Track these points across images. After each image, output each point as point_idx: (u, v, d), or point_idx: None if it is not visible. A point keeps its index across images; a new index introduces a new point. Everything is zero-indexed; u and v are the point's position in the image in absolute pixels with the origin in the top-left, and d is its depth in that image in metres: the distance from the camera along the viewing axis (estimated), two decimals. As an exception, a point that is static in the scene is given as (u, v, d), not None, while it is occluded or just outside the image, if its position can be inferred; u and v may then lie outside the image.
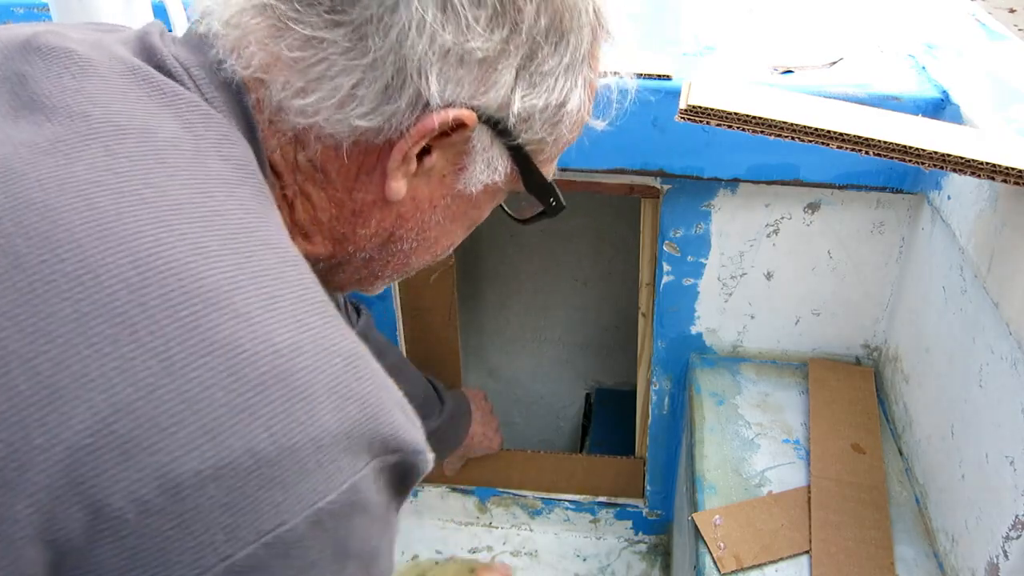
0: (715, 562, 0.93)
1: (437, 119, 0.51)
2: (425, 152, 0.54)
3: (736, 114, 0.73)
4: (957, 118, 0.92)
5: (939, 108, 0.96)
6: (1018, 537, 0.75)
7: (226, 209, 0.45)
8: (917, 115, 0.95)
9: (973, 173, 0.71)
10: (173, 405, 0.38)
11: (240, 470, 0.39)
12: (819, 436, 1.08)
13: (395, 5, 0.48)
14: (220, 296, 0.41)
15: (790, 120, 0.73)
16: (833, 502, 0.98)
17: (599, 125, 0.64)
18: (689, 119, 0.74)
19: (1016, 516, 0.75)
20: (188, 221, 0.43)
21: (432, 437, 1.20)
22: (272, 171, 0.54)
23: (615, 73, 0.63)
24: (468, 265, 1.76)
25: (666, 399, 1.34)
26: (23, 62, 0.48)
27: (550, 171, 0.62)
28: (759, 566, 0.92)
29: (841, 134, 0.72)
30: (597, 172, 1.10)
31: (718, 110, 0.73)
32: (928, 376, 1.02)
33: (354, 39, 0.49)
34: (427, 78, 0.50)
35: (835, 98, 0.92)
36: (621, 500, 1.51)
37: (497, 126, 0.54)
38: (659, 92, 1.00)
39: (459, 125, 0.52)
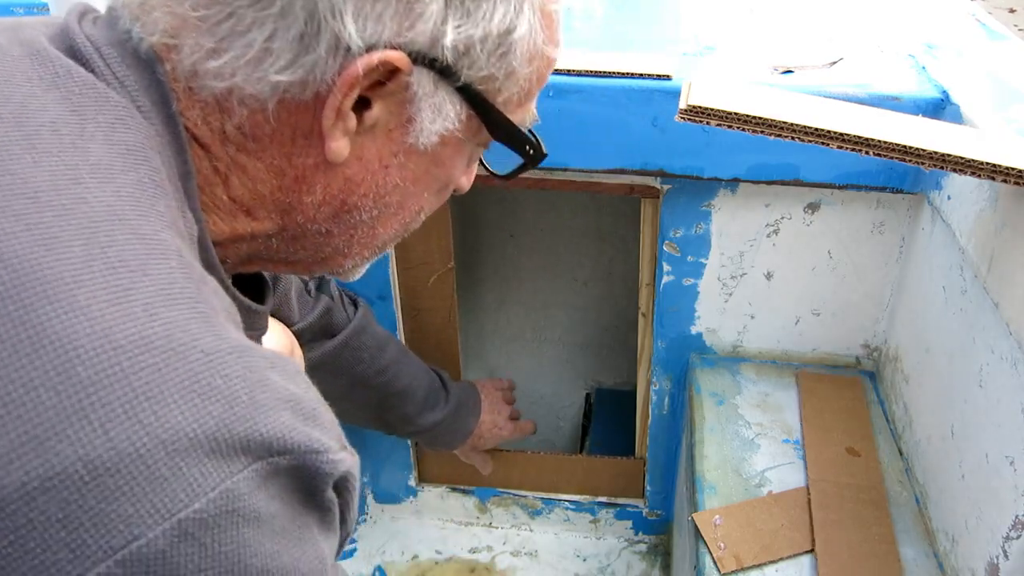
0: (715, 562, 0.93)
1: (361, 64, 0.47)
2: (364, 106, 0.50)
3: (736, 114, 0.73)
4: (957, 118, 0.92)
5: (939, 108, 0.96)
6: (1018, 537, 0.75)
7: (93, 197, 0.42)
8: (917, 115, 0.95)
9: (973, 173, 0.71)
10: None
11: (74, 481, 0.35)
12: (813, 442, 1.08)
13: None
14: (59, 289, 0.38)
15: (790, 120, 0.73)
16: (833, 502, 0.98)
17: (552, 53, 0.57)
18: (689, 119, 0.74)
19: (1016, 516, 0.75)
20: (41, 210, 0.40)
21: (440, 427, 1.18)
22: (199, 144, 0.51)
23: None
24: (468, 265, 1.76)
25: (666, 399, 1.34)
26: None
27: (522, 115, 0.58)
28: (759, 566, 0.92)
29: (841, 134, 0.72)
30: (597, 172, 1.10)
31: (718, 110, 0.73)
32: (928, 376, 1.02)
33: None
34: (342, 18, 0.46)
35: (835, 98, 0.92)
36: (621, 500, 1.51)
37: (434, 65, 0.50)
38: (659, 92, 1.00)
39: (392, 70, 0.48)
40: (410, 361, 1.17)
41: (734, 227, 1.14)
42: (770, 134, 0.73)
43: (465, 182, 0.64)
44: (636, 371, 1.37)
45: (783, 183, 1.06)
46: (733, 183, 1.09)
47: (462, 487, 1.56)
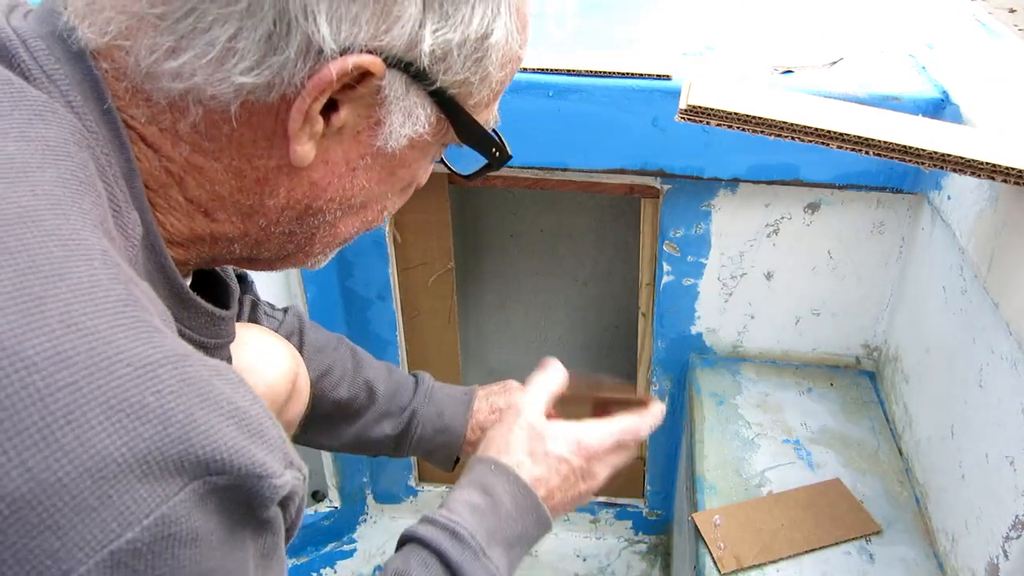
0: (715, 562, 0.93)
1: (335, 69, 0.44)
2: (331, 108, 0.47)
3: (736, 114, 0.73)
4: (957, 118, 0.92)
5: (939, 108, 0.96)
6: (1018, 537, 0.75)
7: (3, 197, 0.38)
8: (917, 115, 0.95)
9: (973, 173, 0.71)
10: None
11: None
12: None
13: None
14: None
15: (790, 120, 0.73)
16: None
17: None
18: (689, 119, 0.74)
19: (1016, 516, 0.75)
20: None
21: (415, 421, 1.03)
22: (145, 144, 0.47)
23: None
24: (468, 265, 1.76)
25: (666, 399, 1.34)
26: None
27: (487, 117, 0.55)
28: (759, 566, 0.92)
29: (841, 134, 0.72)
30: (597, 172, 1.10)
31: (718, 110, 0.73)
32: (928, 376, 1.02)
33: None
34: (315, 19, 0.43)
35: (835, 98, 0.92)
36: (621, 500, 1.51)
37: (409, 69, 0.47)
38: (659, 92, 1.00)
39: (364, 74, 0.46)
40: (361, 361, 0.97)
41: (734, 227, 1.14)
42: (770, 134, 0.73)
43: (424, 178, 0.61)
44: (636, 371, 1.37)
45: (783, 183, 1.06)
46: (733, 183, 1.09)
47: (462, 487, 1.55)
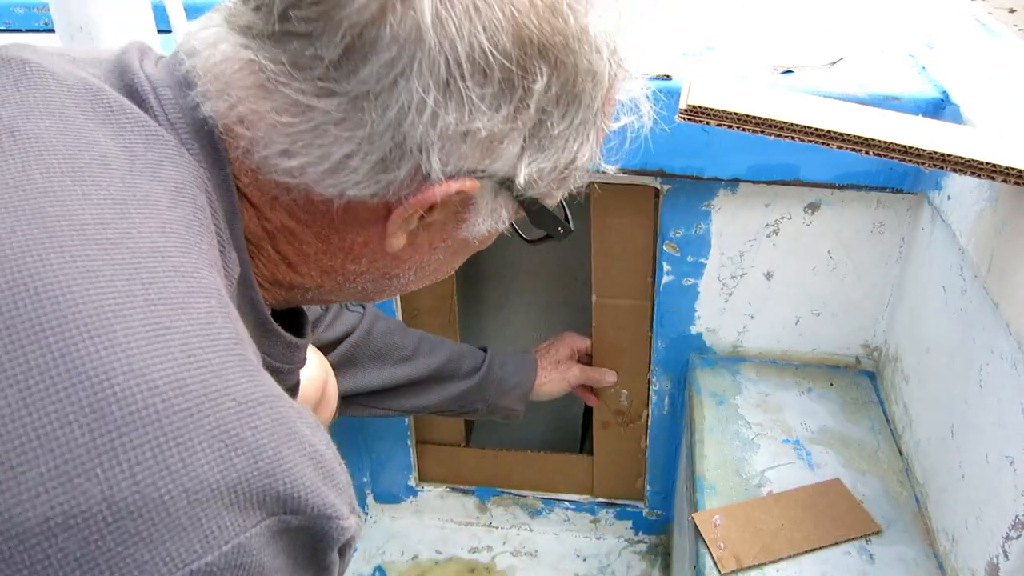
0: (715, 562, 0.93)
1: (439, 192, 0.48)
2: (427, 209, 0.52)
3: (736, 114, 0.73)
4: (957, 118, 0.92)
5: (939, 108, 0.96)
6: (1018, 537, 0.75)
7: (138, 232, 0.42)
8: (917, 115, 0.95)
9: (973, 173, 0.71)
10: (26, 441, 0.35)
11: (96, 520, 0.35)
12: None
13: (393, 83, 0.45)
14: (99, 324, 0.38)
15: (790, 120, 0.73)
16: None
17: (611, 170, 0.62)
18: (689, 119, 0.74)
19: (1016, 516, 0.75)
20: (86, 243, 0.40)
21: (478, 391, 1.21)
22: (247, 201, 0.51)
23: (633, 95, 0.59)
24: (468, 265, 1.76)
25: (666, 399, 1.34)
26: None
27: (556, 200, 0.60)
28: (759, 566, 0.92)
29: (841, 134, 0.72)
30: (597, 172, 1.10)
31: (718, 110, 0.73)
32: (928, 376, 1.02)
33: (349, 111, 0.46)
34: (428, 155, 0.47)
35: (835, 98, 0.92)
36: (621, 500, 1.51)
37: (503, 185, 0.52)
38: (659, 92, 1.00)
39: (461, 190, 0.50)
40: (429, 345, 1.17)
41: (734, 227, 1.14)
42: (770, 134, 0.73)
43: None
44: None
45: (783, 183, 1.06)
46: (733, 183, 1.09)
47: (462, 487, 1.56)
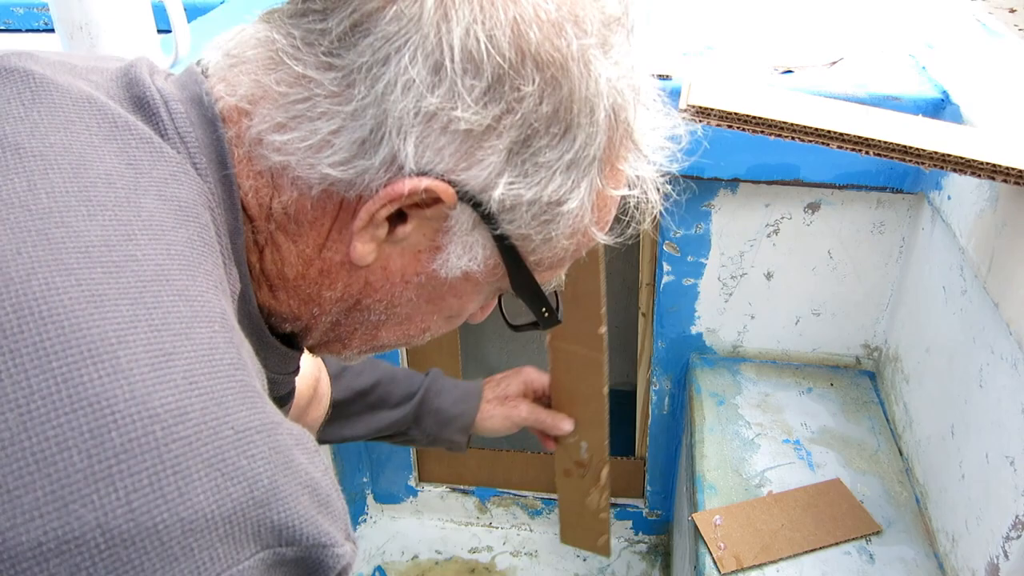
0: (715, 562, 0.93)
1: (407, 184, 0.48)
2: (400, 219, 0.51)
3: (736, 114, 0.73)
4: (957, 118, 0.92)
5: (939, 108, 0.96)
6: (1018, 537, 0.75)
7: (143, 255, 0.42)
8: (917, 115, 0.95)
9: (973, 173, 0.71)
10: (24, 465, 0.35)
11: (89, 547, 0.35)
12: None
13: (386, 58, 0.46)
14: (102, 349, 0.38)
15: (790, 120, 0.73)
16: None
17: (603, 239, 0.58)
18: (689, 119, 0.74)
19: (1016, 516, 0.75)
20: (92, 265, 0.40)
21: (413, 421, 1.12)
22: (246, 214, 0.52)
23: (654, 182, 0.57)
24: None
25: (666, 399, 1.34)
26: None
27: (548, 278, 0.58)
28: (759, 566, 0.92)
29: (841, 134, 0.72)
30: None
31: (718, 110, 0.73)
32: (928, 376, 1.02)
33: (342, 85, 0.47)
34: (405, 138, 0.47)
35: (835, 98, 0.92)
36: (621, 500, 1.51)
37: (478, 208, 0.51)
38: (659, 92, 1.00)
39: (435, 199, 0.49)
40: (373, 360, 1.07)
41: (734, 227, 1.14)
42: (770, 134, 0.73)
43: (480, 316, 0.64)
44: (636, 371, 1.37)
45: (783, 183, 1.06)
46: (733, 183, 1.09)
47: (462, 487, 1.56)
